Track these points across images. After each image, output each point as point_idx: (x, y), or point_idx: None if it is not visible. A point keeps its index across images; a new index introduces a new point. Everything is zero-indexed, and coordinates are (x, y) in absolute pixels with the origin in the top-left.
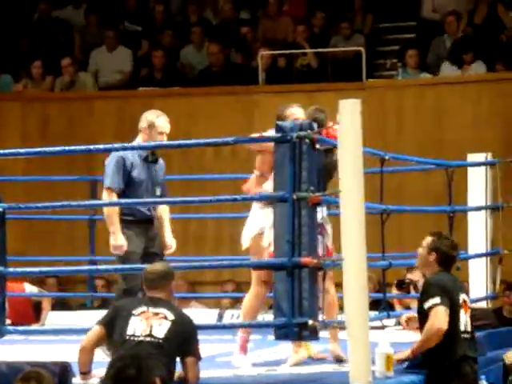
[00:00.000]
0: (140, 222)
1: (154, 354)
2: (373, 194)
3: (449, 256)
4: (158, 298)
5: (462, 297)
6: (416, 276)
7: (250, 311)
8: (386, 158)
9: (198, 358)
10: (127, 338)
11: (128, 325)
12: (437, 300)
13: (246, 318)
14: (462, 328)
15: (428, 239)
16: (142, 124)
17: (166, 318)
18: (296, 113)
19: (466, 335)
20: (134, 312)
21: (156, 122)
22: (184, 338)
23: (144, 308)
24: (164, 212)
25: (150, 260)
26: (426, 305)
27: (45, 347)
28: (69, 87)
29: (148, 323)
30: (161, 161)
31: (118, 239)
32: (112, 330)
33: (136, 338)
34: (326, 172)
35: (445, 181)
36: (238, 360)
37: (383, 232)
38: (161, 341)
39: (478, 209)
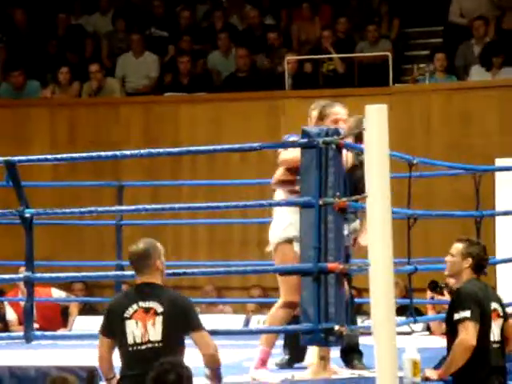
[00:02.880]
0: None
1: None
2: (400, 199)
3: (483, 260)
4: (146, 285)
5: (494, 306)
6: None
7: (276, 323)
8: (414, 162)
9: (202, 329)
10: (130, 349)
11: (126, 332)
12: (467, 313)
13: (267, 336)
14: (492, 338)
15: (459, 246)
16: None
17: (156, 312)
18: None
19: (495, 345)
20: (125, 315)
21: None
22: (181, 322)
23: (134, 306)
24: None
25: None
26: (456, 316)
27: (72, 352)
28: (96, 93)
29: (143, 326)
30: None
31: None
32: (113, 337)
33: (139, 347)
34: (354, 187)
35: (472, 186)
36: (262, 374)
37: (409, 237)
38: (160, 343)
39: (506, 213)
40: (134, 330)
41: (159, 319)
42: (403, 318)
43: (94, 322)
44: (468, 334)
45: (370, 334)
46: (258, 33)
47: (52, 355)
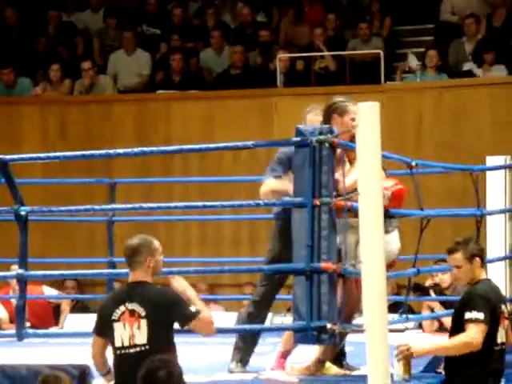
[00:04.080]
0: None
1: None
2: None
3: (484, 250)
4: (135, 284)
5: (503, 307)
6: (444, 277)
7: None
8: (413, 164)
9: (196, 314)
10: (118, 352)
11: (114, 335)
12: (481, 315)
13: (287, 339)
14: (498, 340)
15: (457, 256)
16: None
17: (140, 315)
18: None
19: (498, 347)
20: (113, 317)
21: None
22: (167, 321)
23: (122, 308)
24: None
25: None
26: (468, 315)
27: (64, 350)
28: (88, 90)
29: (130, 328)
30: None
31: None
32: (106, 336)
33: (127, 351)
34: None
35: (463, 184)
36: (278, 375)
37: (420, 238)
38: (147, 346)
39: (503, 211)
40: (122, 333)
41: (144, 322)
42: (395, 316)
43: (86, 320)
44: (479, 335)
45: (362, 331)
46: (249, 30)
47: (44, 353)
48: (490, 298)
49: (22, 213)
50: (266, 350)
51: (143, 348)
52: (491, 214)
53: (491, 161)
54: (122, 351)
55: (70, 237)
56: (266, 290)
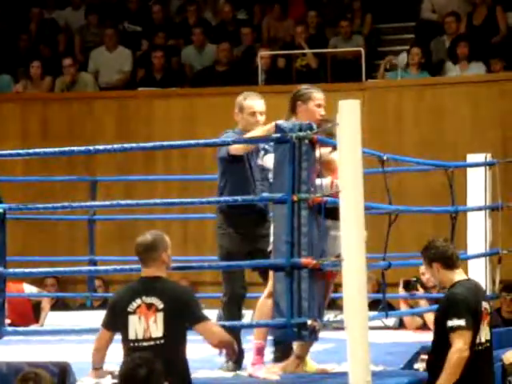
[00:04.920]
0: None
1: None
2: (372, 194)
3: (446, 253)
4: (150, 279)
5: (484, 305)
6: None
7: (268, 314)
8: (384, 158)
9: (204, 319)
10: (131, 345)
11: (128, 327)
12: (462, 322)
13: (259, 330)
14: (478, 340)
15: (423, 261)
16: (235, 109)
17: (157, 309)
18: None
19: (480, 347)
20: (129, 309)
21: (244, 104)
22: (182, 317)
23: (138, 301)
24: None
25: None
26: (450, 323)
27: (44, 347)
28: (70, 87)
29: (146, 321)
30: None
31: None
32: (116, 330)
33: (140, 344)
34: None
35: (443, 181)
36: (260, 371)
37: (388, 233)
38: (162, 340)
39: (480, 208)
40: (137, 326)
41: (160, 316)
42: (375, 313)
43: (66, 318)
44: (464, 344)
45: (342, 328)
46: (231, 28)
47: (24, 351)
48: (469, 301)
49: (0, 210)
50: (248, 347)
51: (158, 342)
52: (466, 210)
53: (472, 158)
54: (136, 344)
55: (50, 234)
56: (230, 287)
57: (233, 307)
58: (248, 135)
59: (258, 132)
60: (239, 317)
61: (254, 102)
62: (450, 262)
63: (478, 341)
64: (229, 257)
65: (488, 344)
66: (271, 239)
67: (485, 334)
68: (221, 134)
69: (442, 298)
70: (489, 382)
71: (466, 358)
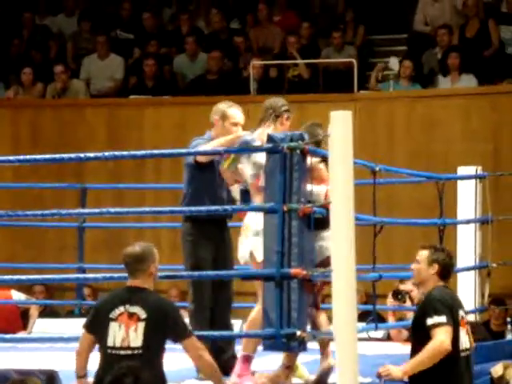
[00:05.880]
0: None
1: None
2: (362, 205)
3: (449, 266)
4: (136, 289)
5: (461, 313)
6: (409, 286)
7: (256, 327)
8: (377, 169)
9: (189, 335)
10: (108, 351)
11: (108, 333)
12: (442, 319)
13: (247, 341)
14: (461, 347)
15: (424, 253)
16: (214, 115)
17: (139, 318)
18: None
19: (463, 353)
20: (111, 316)
21: (228, 112)
22: (164, 329)
23: (121, 308)
24: None
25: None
26: (430, 321)
27: (32, 355)
28: (61, 94)
29: (126, 329)
30: None
31: None
32: (96, 335)
33: (117, 352)
34: None
35: (435, 193)
36: (249, 382)
37: (375, 244)
38: (140, 350)
39: (468, 222)
40: (116, 333)
41: (141, 325)
42: (364, 325)
43: (55, 325)
44: (446, 337)
45: (331, 340)
46: (223, 37)
47: (11, 358)
48: (447, 300)
49: None
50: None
51: (136, 351)
52: (454, 223)
53: (462, 171)
54: (113, 351)
55: (39, 242)
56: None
57: (200, 315)
58: (211, 143)
59: (221, 141)
60: (206, 325)
61: (237, 113)
62: (448, 274)
63: (463, 346)
64: (198, 265)
65: (468, 352)
66: (240, 246)
67: (464, 342)
68: (189, 143)
69: (421, 303)
70: None
71: (445, 352)
